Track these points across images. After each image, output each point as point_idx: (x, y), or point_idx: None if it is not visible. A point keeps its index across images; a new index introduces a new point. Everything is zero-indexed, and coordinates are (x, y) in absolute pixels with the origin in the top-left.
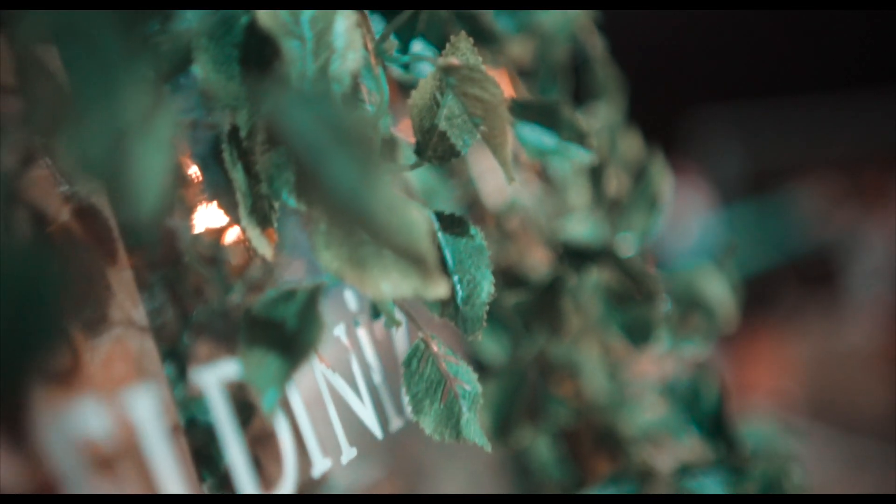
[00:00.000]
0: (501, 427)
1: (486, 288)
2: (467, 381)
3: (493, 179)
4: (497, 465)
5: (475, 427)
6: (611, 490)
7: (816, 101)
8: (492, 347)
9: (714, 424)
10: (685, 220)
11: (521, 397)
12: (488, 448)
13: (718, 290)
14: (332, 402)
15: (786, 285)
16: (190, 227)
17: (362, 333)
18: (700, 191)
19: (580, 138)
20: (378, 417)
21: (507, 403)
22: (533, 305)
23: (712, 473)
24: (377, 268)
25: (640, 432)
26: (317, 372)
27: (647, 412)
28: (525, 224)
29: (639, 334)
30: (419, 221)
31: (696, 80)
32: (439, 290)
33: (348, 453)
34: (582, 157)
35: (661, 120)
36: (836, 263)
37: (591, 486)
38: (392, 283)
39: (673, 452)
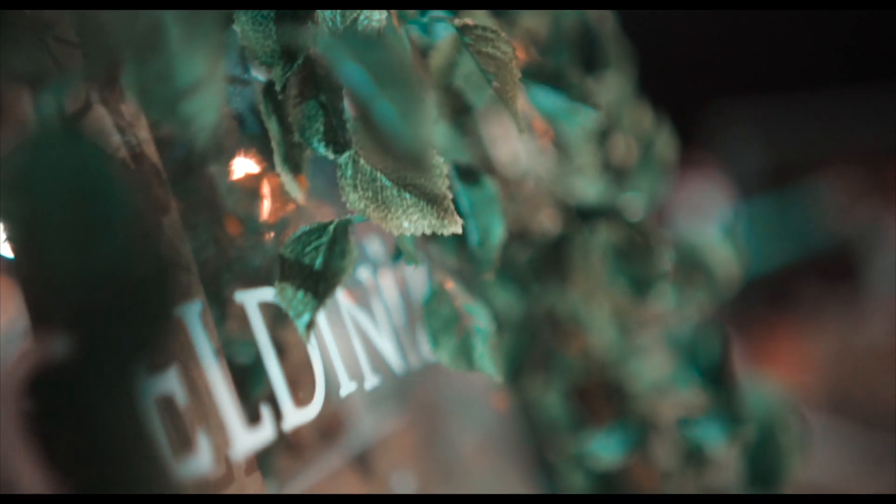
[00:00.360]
0: (513, 376)
1: (498, 232)
2: (481, 319)
3: (505, 145)
4: (508, 413)
5: (488, 360)
6: (613, 437)
7: (837, 95)
8: (504, 301)
9: (715, 375)
10: (705, 214)
11: (532, 349)
12: (499, 380)
13: (722, 254)
14: (357, 336)
15: (806, 281)
16: (230, 173)
17: (384, 278)
18: (720, 185)
19: (588, 100)
20: (398, 352)
21: (519, 355)
22: (543, 261)
23: (712, 421)
24: (399, 208)
25: (645, 384)
26: (343, 308)
27: (652, 366)
28: (536, 186)
29: (643, 287)
30: (439, 166)
31: (716, 74)
32: (454, 227)
33: (371, 380)
34: (589, 117)
35: (681, 114)
36: (856, 258)
37: (594, 432)
38: (412, 221)
39: (676, 404)
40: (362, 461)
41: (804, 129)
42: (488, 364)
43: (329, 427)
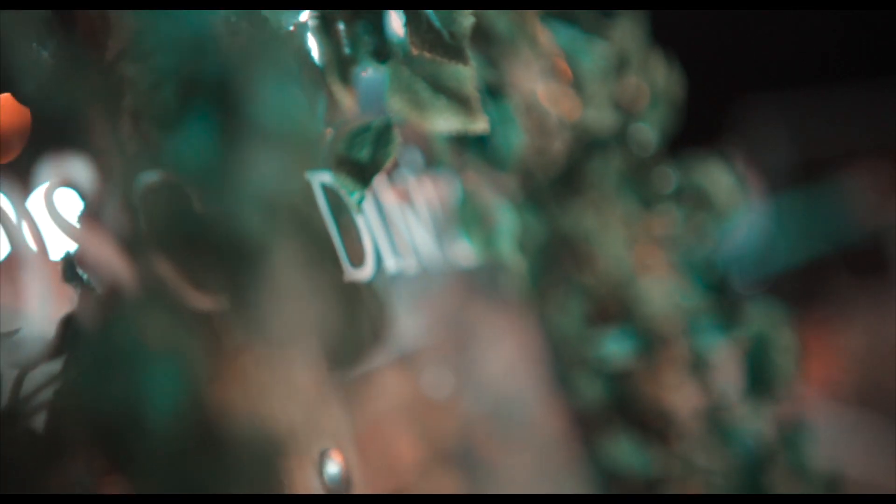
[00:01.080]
0: (536, 289)
1: (519, 140)
2: (505, 217)
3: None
4: (531, 327)
5: (510, 249)
6: (623, 339)
7: (867, 88)
8: (527, 225)
9: (717, 289)
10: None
11: (551, 268)
12: (521, 267)
13: (723, 182)
14: (400, 222)
15: (835, 275)
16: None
17: (424, 183)
18: (749, 180)
19: (600, 31)
20: (435, 242)
21: (540, 273)
22: (561, 185)
23: (712, 327)
24: (434, 109)
25: (653, 302)
26: (389, 201)
27: (660, 283)
28: (554, 115)
29: (649, 204)
30: (469, 72)
31: (746, 69)
32: (481, 125)
33: (411, 259)
34: (601, 47)
35: (711, 109)
36: (886, 253)
37: (601, 335)
38: (445, 120)
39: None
40: (404, 356)
41: (834, 124)
42: (510, 252)
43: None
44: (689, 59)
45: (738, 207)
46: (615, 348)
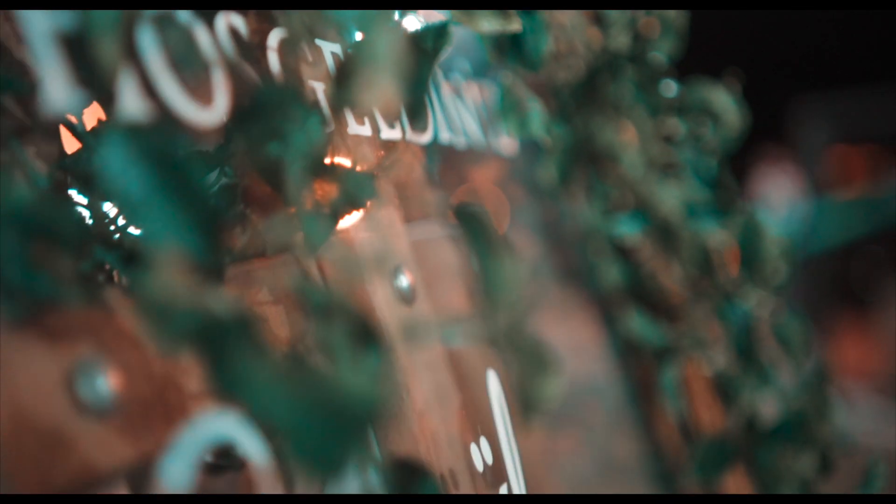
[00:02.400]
0: (563, 181)
1: (544, 44)
2: (535, 105)
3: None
4: (557, 215)
5: (539, 129)
6: (630, 223)
7: None
8: (554, 132)
9: (715, 184)
10: (780, 207)
11: (576, 169)
12: (547, 137)
13: (724, 102)
14: (454, 109)
15: (874, 268)
16: None
17: (470, 85)
18: (793, 177)
19: None
20: (479, 127)
21: (566, 172)
22: (582, 93)
23: (711, 213)
24: (480, 14)
25: (665, 199)
26: (444, 92)
27: (670, 183)
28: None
29: (656, 110)
30: None
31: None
32: (515, 26)
33: (461, 137)
34: None
35: (756, 108)
36: None
37: (616, 219)
38: (488, 22)
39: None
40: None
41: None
42: (540, 132)
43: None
44: (736, 60)
45: (735, 120)
46: (627, 229)
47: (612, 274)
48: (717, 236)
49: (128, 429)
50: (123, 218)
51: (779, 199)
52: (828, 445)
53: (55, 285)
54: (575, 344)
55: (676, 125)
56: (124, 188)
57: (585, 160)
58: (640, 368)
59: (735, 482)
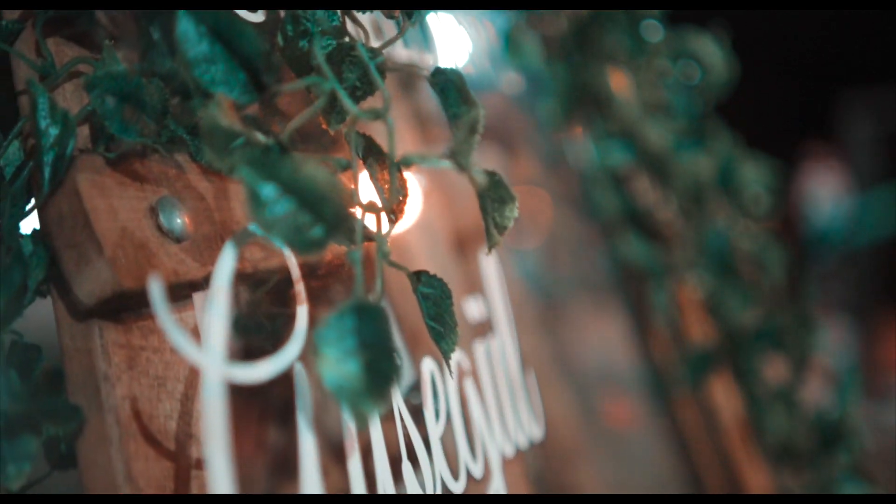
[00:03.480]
0: (565, 117)
1: None
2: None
3: None
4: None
5: (535, 61)
6: (622, 146)
7: None
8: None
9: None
10: (826, 201)
11: (577, 108)
12: (540, 65)
13: (712, 51)
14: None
15: None
16: None
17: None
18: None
19: None
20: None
21: (568, 108)
22: (579, 37)
23: (694, 144)
24: None
25: (653, 130)
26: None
27: (658, 117)
28: None
29: (641, 52)
30: None
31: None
32: None
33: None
34: None
35: (802, 104)
36: None
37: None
38: None
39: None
40: None
41: None
42: (535, 62)
43: None
44: (783, 58)
45: (720, 65)
46: (619, 158)
47: (608, 200)
48: (703, 166)
49: (196, 254)
50: (195, 74)
51: (825, 194)
52: (804, 352)
53: (143, 140)
54: (578, 271)
55: (667, 68)
56: (197, 52)
57: (583, 99)
58: (636, 290)
59: (721, 387)
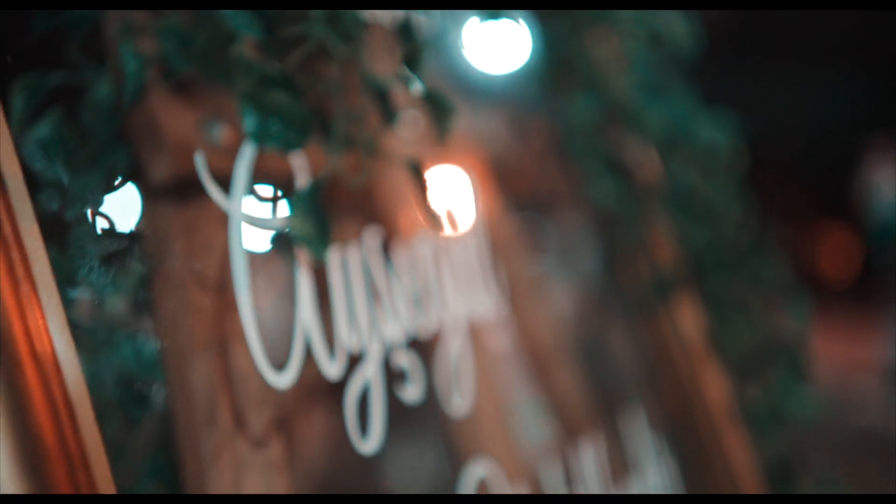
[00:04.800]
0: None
1: None
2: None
3: None
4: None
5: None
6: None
7: None
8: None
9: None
10: (890, 194)
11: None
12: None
13: (677, 24)
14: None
15: None
16: None
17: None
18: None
19: None
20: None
21: (555, 80)
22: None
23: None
24: None
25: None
26: None
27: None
28: None
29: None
30: None
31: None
32: None
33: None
34: None
35: (867, 98)
36: None
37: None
38: None
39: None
40: None
41: None
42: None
43: None
44: (851, 55)
45: (683, 36)
46: (584, 108)
47: (583, 147)
48: (667, 119)
49: (227, 155)
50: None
51: (890, 187)
52: (757, 276)
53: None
54: (562, 209)
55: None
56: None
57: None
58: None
59: (686, 306)
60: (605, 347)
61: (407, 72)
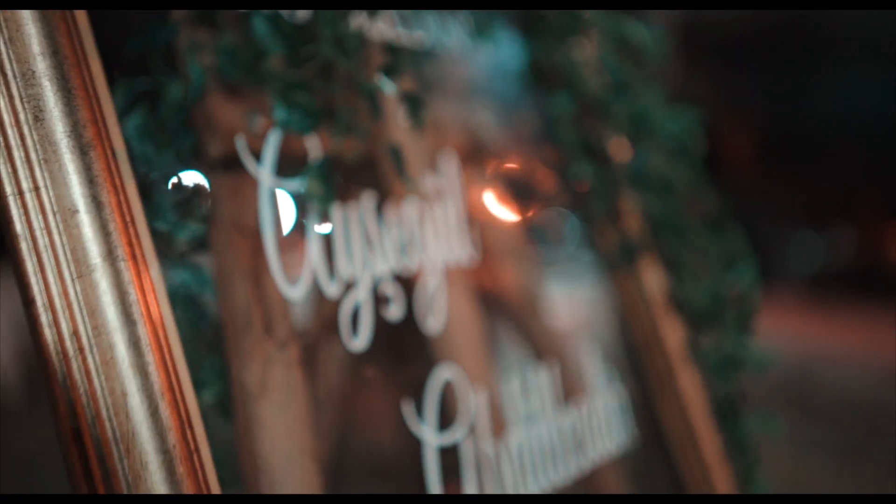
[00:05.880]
0: (533, 78)
1: None
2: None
3: None
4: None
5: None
6: (559, 99)
7: None
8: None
9: (628, 78)
10: None
11: (540, 76)
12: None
13: (642, 34)
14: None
15: None
16: None
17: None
18: None
19: None
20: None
21: (536, 79)
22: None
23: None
24: None
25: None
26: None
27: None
28: None
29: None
30: None
31: None
32: None
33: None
34: None
35: None
36: None
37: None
38: None
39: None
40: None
41: None
42: (501, 35)
43: None
44: None
45: (648, 42)
46: (561, 104)
47: (563, 134)
48: (627, 111)
49: (263, 140)
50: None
51: None
52: (711, 243)
53: (240, 75)
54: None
55: (603, 44)
56: (259, 28)
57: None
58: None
59: (649, 267)
60: (574, 299)
61: (386, 79)
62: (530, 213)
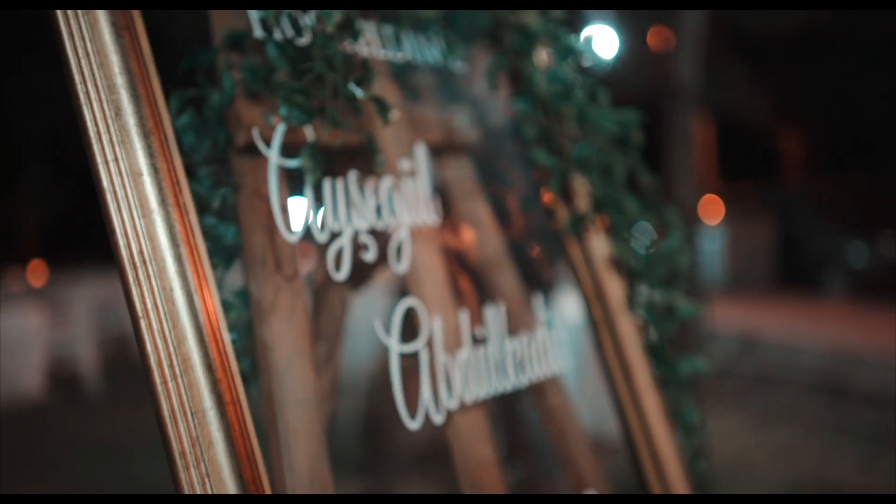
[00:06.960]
0: (496, 84)
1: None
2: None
3: None
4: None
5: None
6: (519, 101)
7: None
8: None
9: (580, 82)
10: None
11: (509, 79)
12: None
13: (587, 43)
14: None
15: None
16: None
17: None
18: None
19: None
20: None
21: (494, 74)
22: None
23: (573, 95)
24: None
25: (542, 80)
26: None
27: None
28: None
29: (533, 42)
30: None
31: None
32: None
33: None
34: None
35: None
36: None
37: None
38: None
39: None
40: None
41: None
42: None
43: None
44: None
45: (592, 51)
46: (520, 105)
47: (525, 130)
48: (575, 109)
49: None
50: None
51: None
52: (647, 213)
53: (259, 85)
54: (510, 172)
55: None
56: (272, 53)
57: (509, 78)
58: (543, 180)
59: (595, 235)
60: (528, 259)
61: (356, 87)
62: (497, 193)
